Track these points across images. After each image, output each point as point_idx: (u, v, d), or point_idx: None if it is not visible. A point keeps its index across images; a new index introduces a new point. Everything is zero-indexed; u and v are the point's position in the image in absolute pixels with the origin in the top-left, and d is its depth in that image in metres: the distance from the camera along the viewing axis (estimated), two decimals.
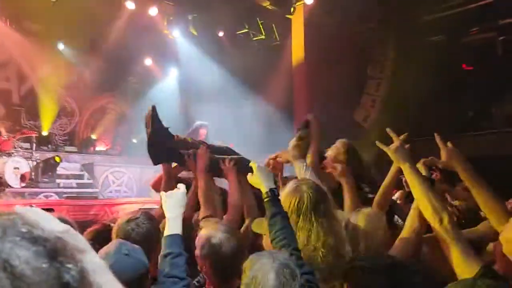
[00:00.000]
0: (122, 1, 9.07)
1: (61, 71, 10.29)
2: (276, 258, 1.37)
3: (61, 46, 10.46)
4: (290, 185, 2.02)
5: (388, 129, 2.20)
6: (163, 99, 10.99)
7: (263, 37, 11.27)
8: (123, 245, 1.72)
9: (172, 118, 9.71)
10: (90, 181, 9.48)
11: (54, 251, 0.59)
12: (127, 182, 9.94)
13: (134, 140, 11.66)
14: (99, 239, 2.18)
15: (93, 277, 0.82)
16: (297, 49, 10.52)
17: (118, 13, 9.52)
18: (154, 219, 2.32)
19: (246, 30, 11.23)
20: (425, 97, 8.59)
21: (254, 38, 11.37)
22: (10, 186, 7.79)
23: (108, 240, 2.15)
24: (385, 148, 2.15)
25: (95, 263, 0.84)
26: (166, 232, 1.67)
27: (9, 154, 8.12)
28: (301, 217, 1.88)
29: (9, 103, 10.02)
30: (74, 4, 8.72)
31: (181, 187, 1.87)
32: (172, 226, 1.68)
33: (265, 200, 1.81)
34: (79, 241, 0.84)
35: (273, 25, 11.11)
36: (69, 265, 0.60)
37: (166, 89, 11.70)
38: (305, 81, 10.32)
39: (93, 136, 11.38)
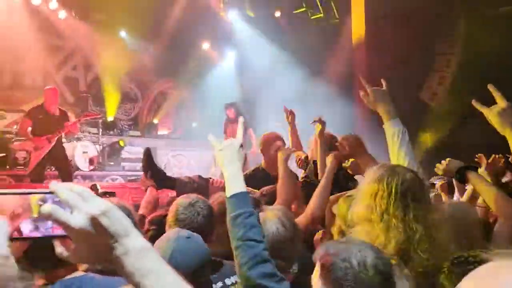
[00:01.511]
0: None
1: (124, 58, 10.65)
2: (356, 241, 1.36)
3: (123, 34, 10.80)
4: (377, 168, 1.73)
5: (490, 85, 1.71)
6: (221, 83, 11.07)
7: (321, 15, 10.92)
8: (182, 231, 1.76)
9: (230, 101, 9.83)
10: None
11: None
12: (188, 165, 10.13)
13: (194, 124, 11.89)
14: (163, 226, 2.20)
15: (135, 261, 0.78)
16: (358, 26, 10.08)
17: None
18: (209, 202, 2.31)
19: (304, 9, 10.92)
20: (497, 71, 7.89)
21: (312, 17, 11.04)
22: (79, 169, 8.20)
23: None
24: (485, 110, 1.66)
25: (138, 245, 0.80)
26: (229, 192, 1.43)
27: (78, 139, 8.53)
28: (391, 203, 1.59)
29: (77, 91, 10.55)
30: None
31: (238, 137, 1.53)
32: (234, 184, 1.44)
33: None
34: (119, 223, 0.80)
35: (332, 2, 10.70)
36: None
37: (223, 73, 11.74)
38: (366, 59, 9.89)
39: (155, 121, 11.72)
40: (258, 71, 10.72)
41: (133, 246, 0.79)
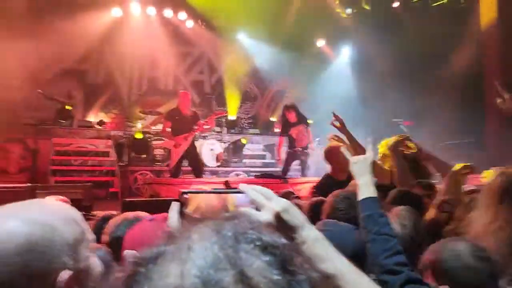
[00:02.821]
0: None
1: (243, 60, 11.26)
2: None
3: (242, 37, 11.39)
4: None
5: None
6: (336, 80, 11.04)
7: (444, 0, 10.21)
8: (348, 226, 1.95)
9: (346, 99, 9.77)
10: (272, 161, 10.18)
11: (284, 261, 0.56)
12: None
13: (310, 121, 12.02)
14: (317, 212, 2.43)
15: (312, 249, 0.93)
16: (488, 10, 9.24)
17: None
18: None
19: None
20: None
21: (434, 4, 10.39)
22: (207, 165, 8.90)
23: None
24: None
25: (312, 236, 0.95)
26: (362, 196, 1.63)
27: (204, 137, 9.27)
28: (487, 200, 1.71)
29: (202, 92, 11.45)
30: None
31: (370, 154, 1.78)
32: (366, 190, 1.64)
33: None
34: (296, 217, 0.95)
35: None
36: (300, 277, 0.56)
37: (339, 69, 11.68)
38: (497, 47, 9.02)
39: (273, 119, 12.13)
40: (375, 65, 10.46)
41: (309, 236, 0.94)
